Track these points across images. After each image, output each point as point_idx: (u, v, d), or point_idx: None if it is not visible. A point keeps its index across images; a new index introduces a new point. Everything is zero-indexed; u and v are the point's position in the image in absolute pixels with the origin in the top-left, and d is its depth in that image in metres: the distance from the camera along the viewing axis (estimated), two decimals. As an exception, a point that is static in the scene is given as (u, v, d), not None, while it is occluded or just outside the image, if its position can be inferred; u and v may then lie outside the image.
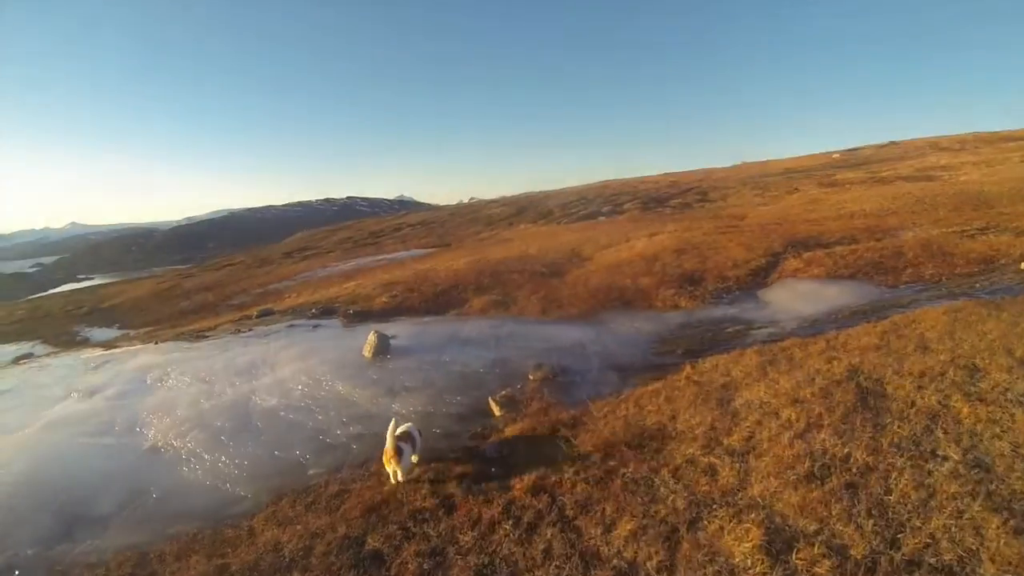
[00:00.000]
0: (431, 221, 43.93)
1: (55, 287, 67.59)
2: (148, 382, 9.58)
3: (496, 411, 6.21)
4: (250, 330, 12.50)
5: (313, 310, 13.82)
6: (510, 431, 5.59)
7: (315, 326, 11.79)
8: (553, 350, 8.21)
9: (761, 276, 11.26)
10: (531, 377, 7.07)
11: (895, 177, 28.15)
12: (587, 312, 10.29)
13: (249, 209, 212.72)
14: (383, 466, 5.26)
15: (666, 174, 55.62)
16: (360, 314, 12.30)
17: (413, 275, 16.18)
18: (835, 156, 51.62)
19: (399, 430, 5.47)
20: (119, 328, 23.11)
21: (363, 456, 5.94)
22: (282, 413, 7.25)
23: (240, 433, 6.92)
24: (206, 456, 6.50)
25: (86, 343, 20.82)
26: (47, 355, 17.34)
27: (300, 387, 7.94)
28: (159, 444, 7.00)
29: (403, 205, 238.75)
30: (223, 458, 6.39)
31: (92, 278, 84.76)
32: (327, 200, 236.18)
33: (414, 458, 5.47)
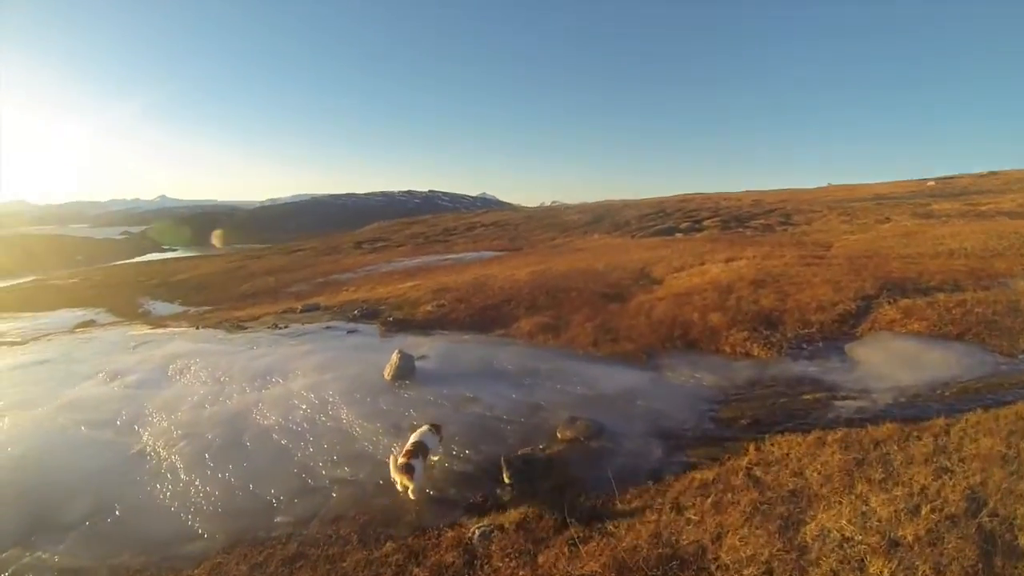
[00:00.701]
0: (506, 223, 43.63)
1: (140, 255, 74.28)
2: (169, 373, 9.67)
3: (506, 477, 5.24)
4: (287, 327, 12.38)
5: (356, 311, 13.53)
6: (511, 516, 4.59)
7: (351, 331, 11.41)
8: (594, 400, 7.18)
9: (849, 324, 9.53)
10: (559, 435, 6.02)
11: (996, 212, 24.74)
12: (644, 350, 9.10)
13: (331, 195, 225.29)
14: (353, 530, 4.68)
15: (749, 192, 52.43)
16: (400, 323, 11.79)
17: (470, 282, 15.55)
18: (930, 184, 46.57)
19: (412, 439, 5.65)
20: (180, 304, 24.37)
21: (339, 510, 5.30)
22: (275, 436, 6.83)
23: (226, 453, 6.57)
24: (183, 476, 6.19)
25: (145, 316, 22.00)
26: (105, 324, 18.47)
27: (304, 407, 7.48)
28: (147, 449, 6.87)
29: (485, 203, 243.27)
30: (197, 482, 6.03)
31: (175, 249, 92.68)
32: (409, 192, 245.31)
33: (434, 457, 5.75)
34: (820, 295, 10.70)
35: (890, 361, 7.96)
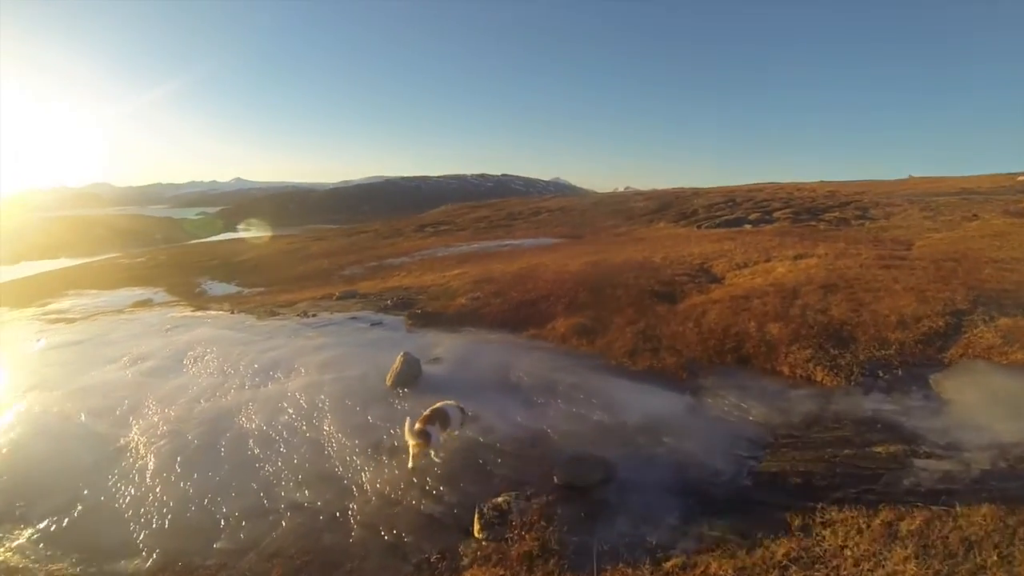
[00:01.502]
0: (571, 208, 42.51)
1: (215, 235, 79.01)
2: (183, 361, 9.72)
3: (476, 530, 4.41)
4: (316, 315, 12.18)
5: (390, 300, 13.14)
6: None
7: (375, 323, 10.97)
8: (612, 431, 6.13)
9: (935, 347, 7.63)
10: (556, 479, 5.02)
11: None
12: (687, 365, 7.82)
13: (404, 177, 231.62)
14: (285, 573, 4.33)
15: (824, 182, 48.03)
16: (429, 316, 11.18)
17: (516, 272, 14.76)
18: (1021, 179, 40.44)
19: (433, 406, 5.78)
20: (235, 285, 25.17)
21: (282, 543, 4.75)
22: (251, 443, 6.46)
23: (197, 458, 6.29)
24: (148, 480, 5.95)
25: (199, 297, 22.79)
26: (158, 304, 19.24)
27: (291, 411, 7.06)
28: (130, 446, 6.73)
29: (557, 187, 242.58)
30: (159, 489, 5.76)
31: (249, 229, 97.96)
32: (482, 175, 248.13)
33: (442, 436, 5.66)
34: (901, 306, 8.93)
35: (987, 403, 6.24)
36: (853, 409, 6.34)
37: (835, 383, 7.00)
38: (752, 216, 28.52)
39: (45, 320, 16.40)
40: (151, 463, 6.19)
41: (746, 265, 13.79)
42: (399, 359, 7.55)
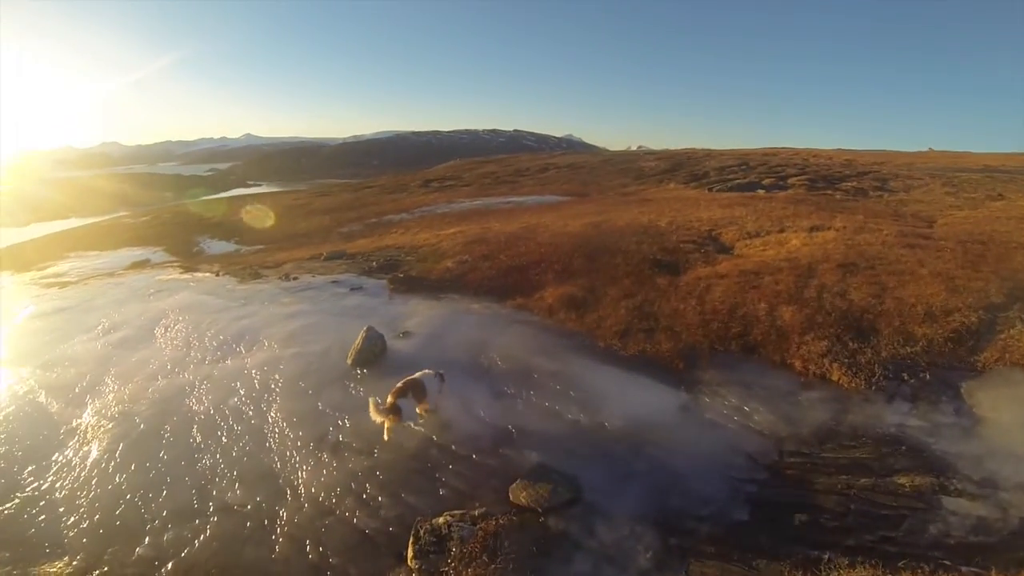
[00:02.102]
0: (580, 165, 40.83)
1: (227, 190, 78.38)
2: (155, 331, 9.38)
3: (410, 556, 3.75)
4: (296, 279, 11.60)
5: (375, 262, 12.47)
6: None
7: (354, 288, 10.30)
8: (588, 435, 5.30)
9: (967, 347, 6.52)
10: (511, 497, 4.32)
11: None
12: (684, 352, 6.84)
13: (415, 132, 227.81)
14: None
15: (841, 150, 45.75)
16: (412, 281, 10.45)
17: (512, 233, 13.89)
18: None
19: (406, 378, 5.48)
20: (234, 243, 24.71)
21: (204, 553, 4.33)
22: (195, 430, 5.96)
23: (139, 447, 5.83)
24: (87, 470, 5.56)
25: (196, 256, 22.36)
26: (155, 265, 18.81)
27: (243, 392, 6.52)
28: (79, 430, 6.36)
29: (569, 144, 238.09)
30: (94, 482, 5.36)
31: (260, 184, 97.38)
32: (494, 131, 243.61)
33: (419, 409, 5.42)
34: (929, 295, 7.80)
35: (1029, 422, 5.20)
36: (874, 422, 5.37)
37: (854, 385, 5.99)
38: (766, 181, 27.05)
39: (41, 284, 16.14)
40: (94, 450, 5.85)
41: (758, 235, 12.69)
42: (360, 335, 6.86)
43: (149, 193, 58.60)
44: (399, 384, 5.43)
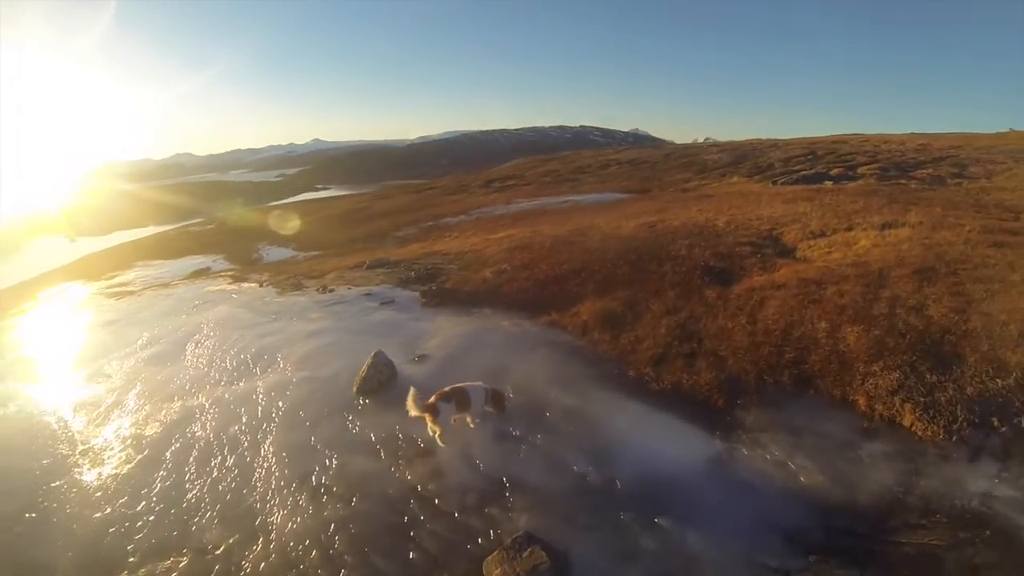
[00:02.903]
0: (642, 161, 39.44)
1: (295, 195, 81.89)
2: (186, 347, 9.73)
3: None
4: (332, 291, 11.62)
5: (414, 272, 12.31)
6: None
7: (385, 302, 10.12)
8: (593, 496, 4.61)
9: None
10: (484, 571, 3.81)
11: None
12: (726, 385, 5.96)
13: (481, 131, 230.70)
14: None
15: (914, 134, 41.29)
16: (445, 293, 10.15)
17: (560, 237, 13.27)
18: None
19: (460, 385, 5.56)
20: (292, 249, 25.48)
21: None
22: (191, 460, 5.97)
23: (139, 473, 5.87)
24: (88, 494, 5.63)
25: (255, 263, 23.14)
26: (214, 273, 19.64)
27: (246, 420, 6.49)
28: (92, 450, 6.51)
29: (636, 138, 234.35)
30: (89, 509, 5.33)
31: (328, 188, 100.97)
32: (561, 127, 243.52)
33: (454, 417, 5.47)
34: (1023, 308, 6.58)
35: None
36: (952, 489, 4.37)
37: (929, 433, 4.99)
38: (833, 171, 25.15)
39: (105, 294, 17.20)
40: (100, 475, 5.96)
41: (823, 234, 11.49)
42: (367, 362, 6.60)
43: (220, 200, 62.14)
44: (446, 388, 5.50)
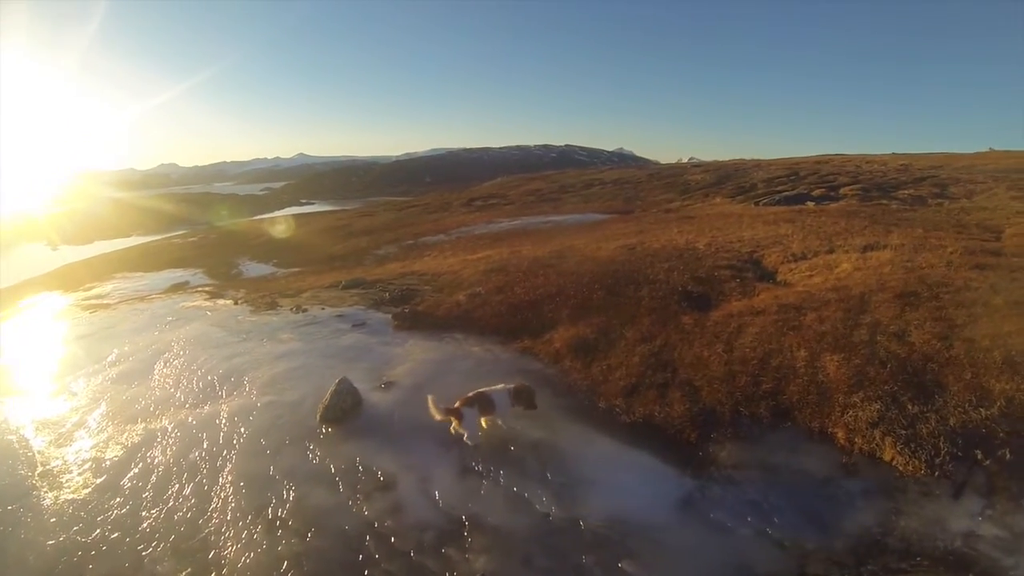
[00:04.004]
0: (625, 181, 40.08)
1: (280, 209, 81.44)
2: (155, 366, 9.48)
3: None
4: (306, 311, 11.45)
5: (390, 292, 12.20)
6: None
7: (357, 324, 9.99)
8: (555, 538, 4.41)
9: None
10: None
11: None
12: (699, 419, 5.77)
13: (466, 149, 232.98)
14: None
15: (896, 155, 42.69)
16: (418, 316, 10.02)
17: (538, 259, 13.20)
18: None
19: (483, 389, 5.76)
20: (273, 265, 25.26)
21: None
22: (148, 488, 5.71)
23: (95, 500, 5.60)
24: (41, 520, 5.42)
25: (235, 278, 22.90)
26: (192, 288, 19.36)
27: (206, 446, 6.25)
28: (50, 473, 6.25)
29: (620, 158, 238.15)
30: (42, 537, 5.11)
31: (312, 203, 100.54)
32: (545, 146, 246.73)
33: (481, 420, 5.71)
34: (1006, 333, 6.44)
35: None
36: (933, 529, 4.19)
37: (911, 468, 4.78)
38: (816, 192, 25.64)
39: (81, 306, 16.97)
40: (55, 499, 5.74)
41: (804, 256, 11.56)
42: (331, 389, 6.49)
43: (205, 212, 61.63)
44: (470, 393, 5.71)
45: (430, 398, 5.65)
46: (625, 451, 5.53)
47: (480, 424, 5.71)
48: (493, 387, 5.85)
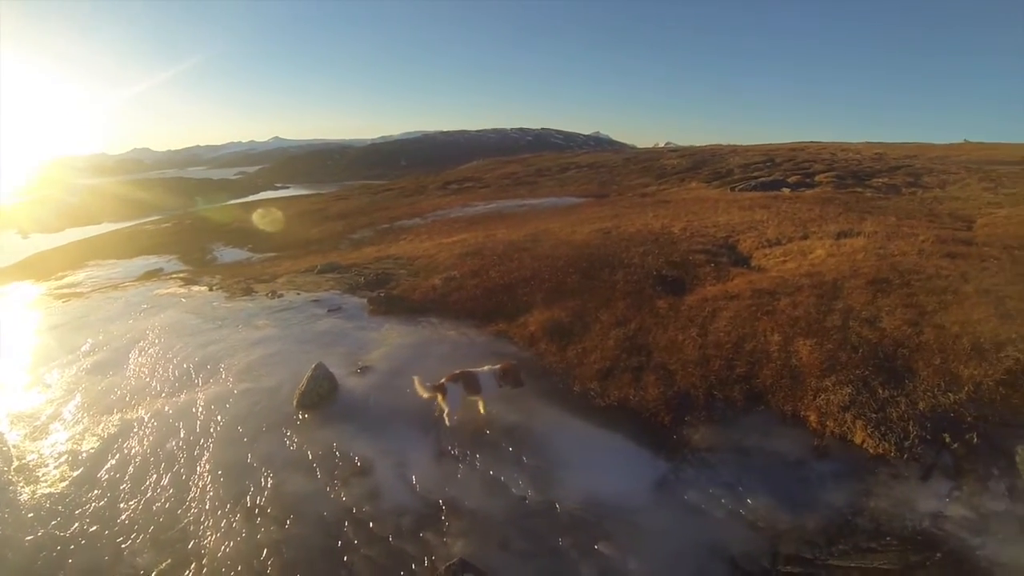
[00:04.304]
0: (601, 165, 40.05)
1: (255, 193, 79.99)
2: (129, 355, 9.37)
3: None
4: (281, 296, 11.36)
5: (366, 276, 12.15)
6: None
7: (333, 309, 9.94)
8: (532, 520, 4.48)
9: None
10: None
11: None
12: (674, 401, 5.83)
13: (442, 132, 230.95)
14: None
15: (870, 143, 43.41)
16: (393, 301, 9.97)
17: (512, 242, 13.19)
18: None
19: (470, 369, 5.83)
20: (247, 250, 24.96)
21: None
22: (126, 478, 5.69)
23: (73, 492, 5.56)
24: (20, 514, 5.36)
25: (209, 264, 22.55)
26: (166, 275, 19.00)
27: (183, 434, 6.22)
28: (27, 467, 6.15)
29: (597, 142, 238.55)
30: (22, 532, 5.07)
31: (287, 187, 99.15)
32: (522, 129, 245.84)
33: (479, 402, 5.81)
34: (975, 320, 6.53)
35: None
36: (902, 509, 4.28)
37: (881, 450, 4.86)
38: (791, 179, 25.88)
39: (53, 295, 16.72)
40: (32, 493, 5.68)
41: (778, 242, 11.57)
42: (307, 375, 6.50)
43: (179, 197, 60.30)
44: (456, 371, 5.75)
45: (416, 378, 5.70)
46: (600, 434, 5.58)
47: (464, 400, 5.74)
48: (481, 368, 5.89)
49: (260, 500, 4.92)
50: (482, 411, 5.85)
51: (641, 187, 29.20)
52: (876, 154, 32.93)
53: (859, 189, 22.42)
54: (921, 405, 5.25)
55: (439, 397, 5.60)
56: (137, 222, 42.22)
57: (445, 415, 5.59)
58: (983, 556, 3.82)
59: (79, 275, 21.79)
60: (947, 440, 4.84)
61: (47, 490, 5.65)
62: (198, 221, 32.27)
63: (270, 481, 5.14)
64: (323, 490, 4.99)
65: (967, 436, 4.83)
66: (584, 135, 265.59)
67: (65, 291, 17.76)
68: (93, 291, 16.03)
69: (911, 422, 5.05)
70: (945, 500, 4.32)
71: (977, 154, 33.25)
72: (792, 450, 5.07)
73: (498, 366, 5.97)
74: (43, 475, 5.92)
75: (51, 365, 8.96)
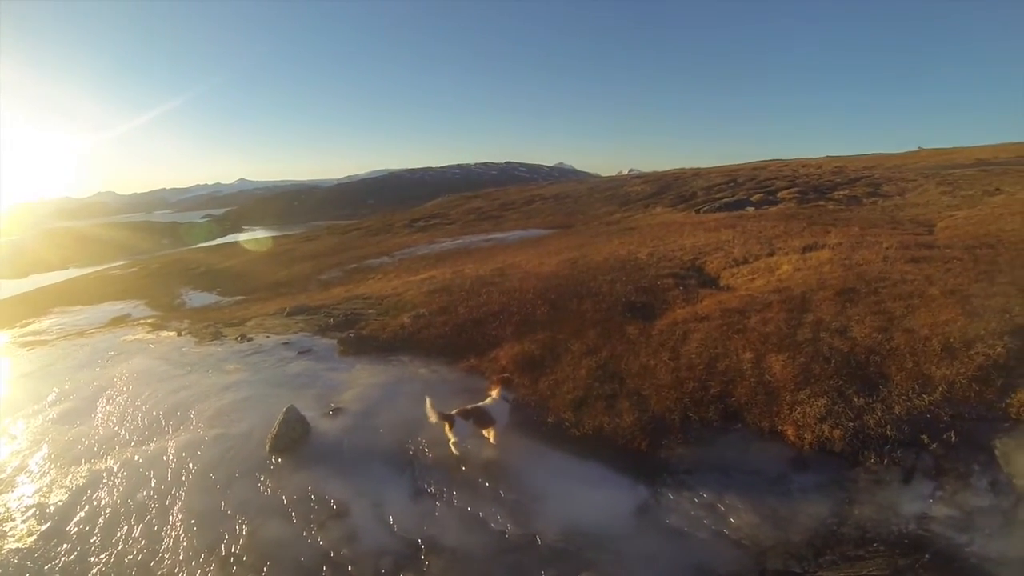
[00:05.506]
0: (566, 195, 40.82)
1: (221, 236, 78.67)
2: (97, 403, 9.06)
3: None
4: (251, 340, 11.16)
5: (335, 317, 12.05)
6: None
7: (303, 351, 9.81)
8: (510, 556, 4.40)
9: (996, 387, 5.30)
10: None
11: None
12: (649, 427, 5.80)
13: (408, 170, 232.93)
14: None
15: (830, 158, 45.56)
16: (363, 341, 9.93)
17: (480, 277, 13.28)
18: None
19: (480, 403, 5.76)
20: (216, 294, 24.51)
21: None
22: (96, 531, 5.50)
23: (42, 547, 5.32)
24: None
25: (178, 309, 22.08)
26: (133, 321, 18.48)
27: (153, 484, 6.01)
28: None
29: (561, 172, 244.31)
30: None
31: (255, 229, 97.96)
32: (486, 164, 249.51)
33: (490, 433, 5.75)
34: (943, 321, 6.65)
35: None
36: (887, 515, 4.25)
37: (861, 458, 4.87)
38: (755, 197, 26.51)
39: (18, 343, 16.14)
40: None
41: (745, 261, 11.79)
42: (279, 419, 6.38)
43: (145, 241, 58.85)
44: (469, 406, 5.68)
45: (428, 400, 5.57)
46: (577, 464, 5.52)
47: (475, 434, 5.71)
48: (493, 401, 5.85)
49: (235, 548, 4.80)
50: (491, 442, 5.84)
51: (607, 215, 29.70)
52: (836, 168, 34.11)
53: (822, 203, 23.05)
54: (897, 409, 5.29)
55: (446, 426, 5.54)
56: (102, 267, 41.02)
57: (452, 445, 5.59)
58: (971, 553, 3.81)
59: (44, 322, 21.04)
60: (926, 441, 4.86)
61: (14, 545, 5.41)
62: (167, 265, 31.55)
63: (245, 528, 5.03)
64: (300, 535, 4.90)
65: (945, 435, 4.86)
66: (548, 166, 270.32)
67: (30, 339, 17.14)
68: (59, 338, 15.52)
69: (888, 427, 5.06)
70: (929, 501, 4.30)
71: (933, 160, 34.71)
72: (772, 465, 5.05)
73: (512, 397, 6.08)
74: (10, 529, 5.67)
75: (16, 415, 8.63)
